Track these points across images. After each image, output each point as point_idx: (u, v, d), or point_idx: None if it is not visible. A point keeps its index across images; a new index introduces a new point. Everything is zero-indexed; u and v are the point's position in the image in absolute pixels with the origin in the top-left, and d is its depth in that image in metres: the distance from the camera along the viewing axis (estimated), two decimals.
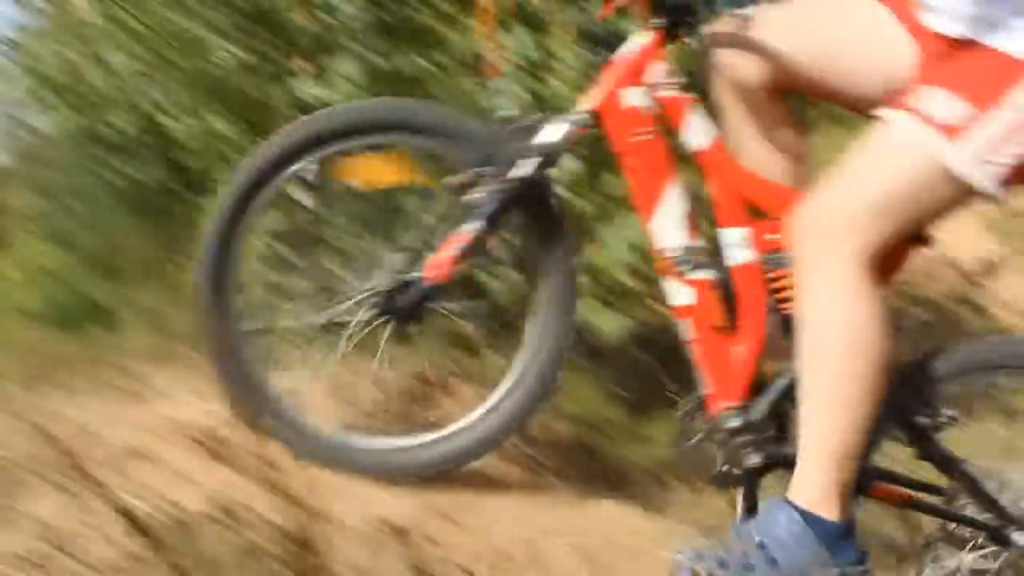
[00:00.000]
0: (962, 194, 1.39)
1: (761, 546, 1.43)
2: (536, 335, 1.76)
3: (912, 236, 1.51)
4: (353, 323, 1.72)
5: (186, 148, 2.52)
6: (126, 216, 2.77)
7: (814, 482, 1.44)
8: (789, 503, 1.45)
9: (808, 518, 1.43)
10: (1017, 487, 1.63)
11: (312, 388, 1.88)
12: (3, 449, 1.76)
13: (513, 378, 1.77)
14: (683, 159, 1.62)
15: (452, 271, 1.67)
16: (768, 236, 1.57)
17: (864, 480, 1.54)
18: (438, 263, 1.66)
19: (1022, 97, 1.33)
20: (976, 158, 1.35)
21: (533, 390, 1.76)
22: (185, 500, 1.62)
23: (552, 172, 1.70)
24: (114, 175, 2.69)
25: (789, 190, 1.58)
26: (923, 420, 1.58)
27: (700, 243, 1.61)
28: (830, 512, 1.44)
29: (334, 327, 1.76)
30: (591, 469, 2.17)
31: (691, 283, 1.59)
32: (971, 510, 1.62)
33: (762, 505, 1.53)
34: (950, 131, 1.35)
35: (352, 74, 2.10)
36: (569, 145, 1.67)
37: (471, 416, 1.78)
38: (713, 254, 1.60)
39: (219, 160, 2.25)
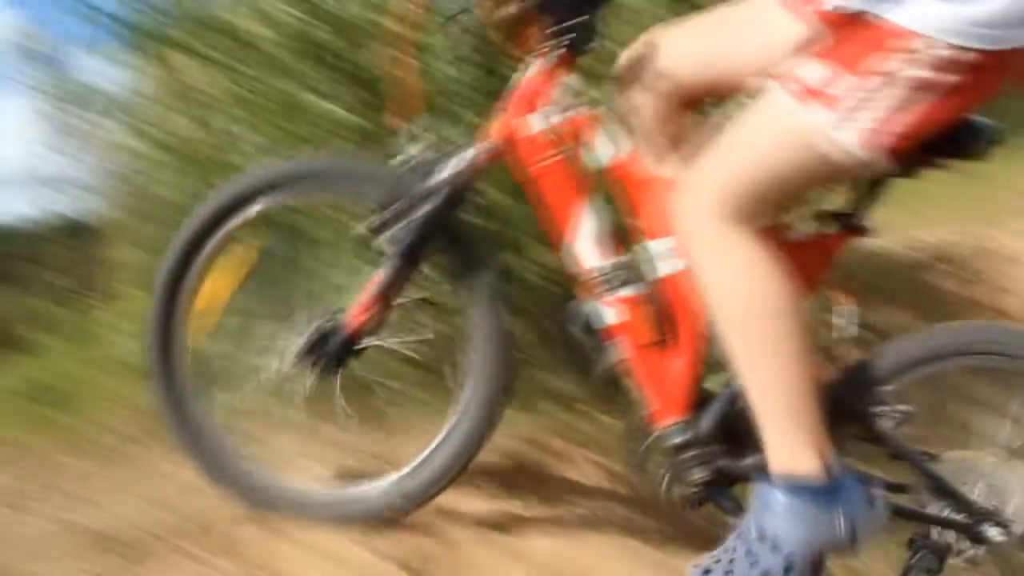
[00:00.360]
0: (833, 158, 1.37)
1: (761, 536, 1.43)
2: (476, 365, 1.74)
3: (845, 225, 1.53)
4: (289, 377, 1.79)
5: None
6: None
7: (781, 449, 1.43)
8: (769, 482, 1.44)
9: (791, 487, 1.42)
10: (987, 478, 1.59)
11: (267, 440, 1.92)
12: (127, 518, 1.84)
13: (459, 411, 1.76)
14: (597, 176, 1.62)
15: (372, 315, 1.71)
16: None
17: None
18: (357, 309, 1.71)
19: (892, 64, 1.32)
20: (841, 121, 1.34)
21: (479, 421, 1.75)
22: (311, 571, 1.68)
23: (463, 205, 1.71)
24: None
25: None
26: (877, 417, 1.55)
27: (623, 259, 1.60)
28: (809, 469, 1.42)
29: (281, 381, 1.82)
30: (546, 493, 2.14)
31: (619, 302, 1.59)
32: (941, 508, 1.59)
33: (751, 498, 1.51)
34: (816, 95, 1.35)
35: (452, 135, 2.09)
36: (473, 178, 1.67)
37: (422, 455, 1.79)
38: (637, 269, 1.59)
39: (322, 219, 2.26)
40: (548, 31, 1.56)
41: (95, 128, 3.51)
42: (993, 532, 1.56)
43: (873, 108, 1.34)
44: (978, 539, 1.58)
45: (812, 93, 1.35)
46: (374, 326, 1.74)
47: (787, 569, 1.41)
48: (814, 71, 1.37)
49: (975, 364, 1.58)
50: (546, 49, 1.58)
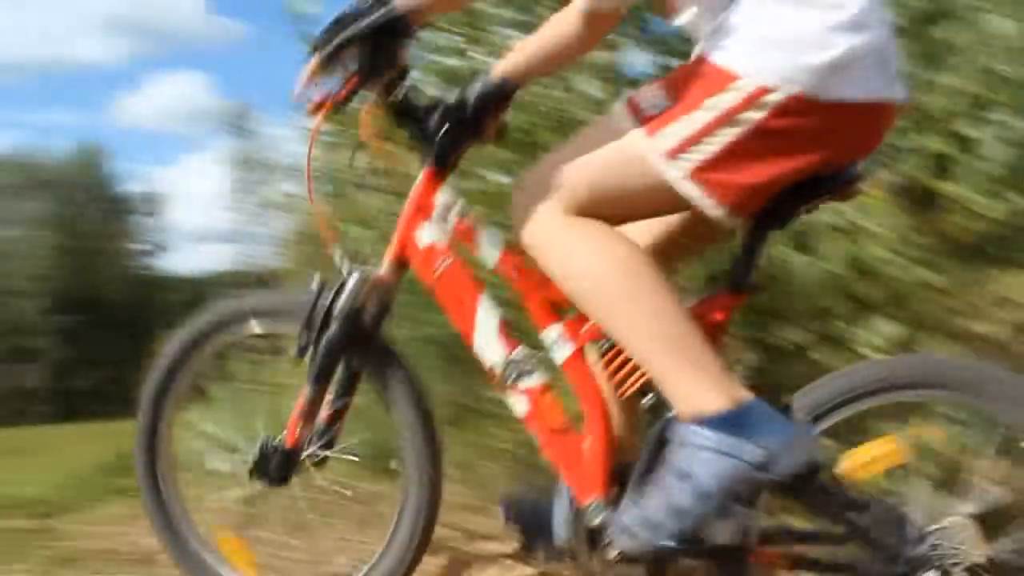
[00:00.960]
0: (659, 185, 1.44)
1: (674, 472, 1.43)
2: (410, 455, 1.81)
3: (733, 285, 1.54)
4: (246, 491, 1.91)
5: None
6: (434, 361, 2.79)
7: (681, 394, 1.44)
8: (680, 424, 1.45)
9: (700, 423, 1.42)
10: (916, 518, 1.48)
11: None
12: None
13: (405, 498, 1.83)
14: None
15: (304, 429, 1.80)
16: (583, 328, 1.59)
17: (744, 546, 1.50)
18: (291, 426, 1.80)
19: (719, 102, 1.38)
20: (667, 151, 1.42)
21: (424, 503, 1.82)
22: None
23: (372, 319, 1.77)
24: (425, 323, 2.69)
25: None
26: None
27: (518, 352, 1.65)
28: (713, 405, 1.41)
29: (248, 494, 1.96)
30: None
31: (523, 392, 1.64)
32: (873, 557, 1.49)
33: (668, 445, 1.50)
34: (650, 123, 1.43)
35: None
36: (375, 294, 1.76)
37: (373, 559, 1.86)
38: (533, 359, 1.64)
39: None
40: (413, 148, 1.70)
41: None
42: None
43: (704, 143, 1.40)
44: None
45: (649, 121, 1.43)
46: (309, 438, 1.84)
47: (700, 500, 1.42)
48: (653, 99, 1.45)
49: (899, 400, 1.53)
50: (424, 163, 1.70)
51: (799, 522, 1.59)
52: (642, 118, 1.45)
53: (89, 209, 27.87)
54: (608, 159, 1.48)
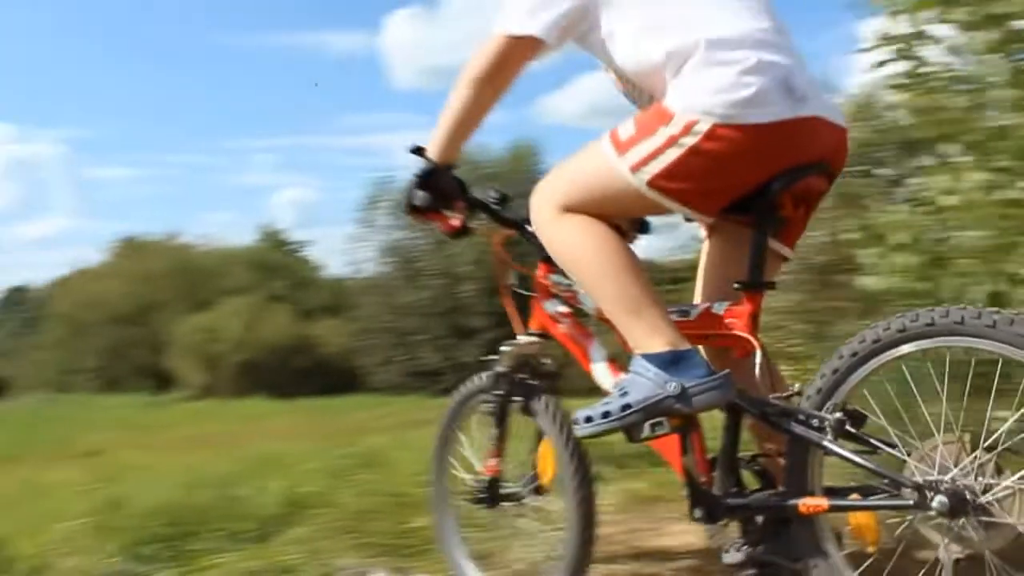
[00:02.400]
0: (629, 188, 1.96)
1: (620, 390, 1.94)
2: (567, 480, 2.31)
3: (751, 285, 1.97)
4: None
5: None
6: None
7: (634, 337, 1.96)
8: (633, 357, 1.95)
9: (644, 356, 1.92)
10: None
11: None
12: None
13: (568, 518, 2.32)
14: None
15: (493, 467, 2.50)
16: None
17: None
18: (488, 461, 2.52)
19: (666, 131, 1.91)
20: (632, 165, 1.95)
21: (582, 522, 2.29)
22: None
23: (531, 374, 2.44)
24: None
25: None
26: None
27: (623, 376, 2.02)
28: (654, 347, 1.91)
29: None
30: None
31: None
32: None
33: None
34: (621, 145, 1.97)
35: None
36: (528, 356, 2.42)
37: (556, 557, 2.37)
38: None
39: None
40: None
41: None
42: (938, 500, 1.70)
43: (658, 160, 1.92)
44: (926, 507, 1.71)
45: (621, 143, 1.97)
46: (500, 473, 2.53)
47: (623, 409, 1.90)
48: (626, 128, 1.99)
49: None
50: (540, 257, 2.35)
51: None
52: (616, 142, 1.98)
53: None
54: (593, 170, 2.03)
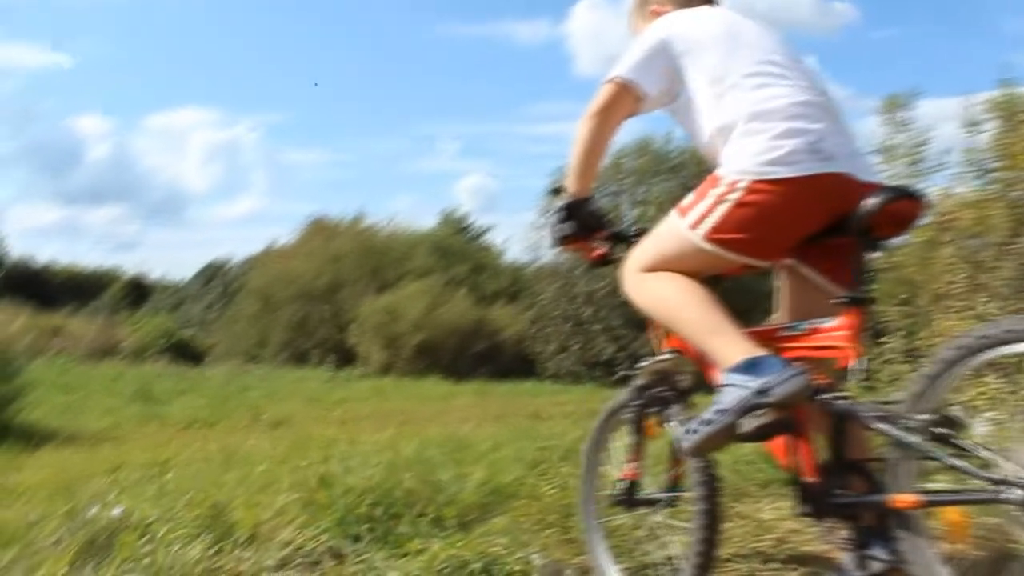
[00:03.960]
0: (693, 246, 2.36)
1: (715, 403, 2.22)
2: (696, 481, 2.51)
3: (852, 300, 2.21)
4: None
5: None
6: None
7: (717, 354, 2.27)
8: (720, 375, 2.26)
9: (728, 370, 2.22)
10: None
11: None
12: None
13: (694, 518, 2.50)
14: None
15: (631, 472, 2.80)
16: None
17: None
18: (625, 466, 2.82)
19: (714, 192, 2.32)
20: (691, 224, 2.36)
21: (707, 524, 2.46)
22: None
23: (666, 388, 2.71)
24: None
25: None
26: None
27: None
28: (738, 356, 2.21)
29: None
30: None
31: None
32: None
33: None
34: (683, 210, 2.40)
35: None
36: (663, 372, 2.71)
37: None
38: None
39: None
40: None
41: None
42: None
43: (711, 217, 2.32)
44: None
45: (682, 210, 2.41)
46: (638, 477, 2.79)
47: (718, 413, 2.20)
48: (688, 198, 2.41)
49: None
50: None
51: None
52: (680, 209, 2.40)
53: None
54: (665, 236, 2.45)
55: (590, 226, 2.63)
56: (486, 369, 28.02)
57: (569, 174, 2.56)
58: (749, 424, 2.13)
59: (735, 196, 2.29)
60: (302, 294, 33.98)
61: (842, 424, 2.18)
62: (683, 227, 2.38)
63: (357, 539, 3.17)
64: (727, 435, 2.18)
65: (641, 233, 2.66)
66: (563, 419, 14.92)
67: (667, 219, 2.45)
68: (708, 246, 2.33)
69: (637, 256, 2.50)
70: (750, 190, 2.27)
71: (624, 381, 2.82)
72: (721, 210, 2.30)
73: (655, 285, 2.41)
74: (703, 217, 2.34)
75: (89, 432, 12.88)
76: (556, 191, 2.62)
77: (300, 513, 3.44)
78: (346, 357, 31.34)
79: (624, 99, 2.52)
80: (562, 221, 2.60)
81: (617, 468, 2.85)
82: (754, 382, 2.14)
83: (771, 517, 3.32)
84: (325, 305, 33.53)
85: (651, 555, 2.80)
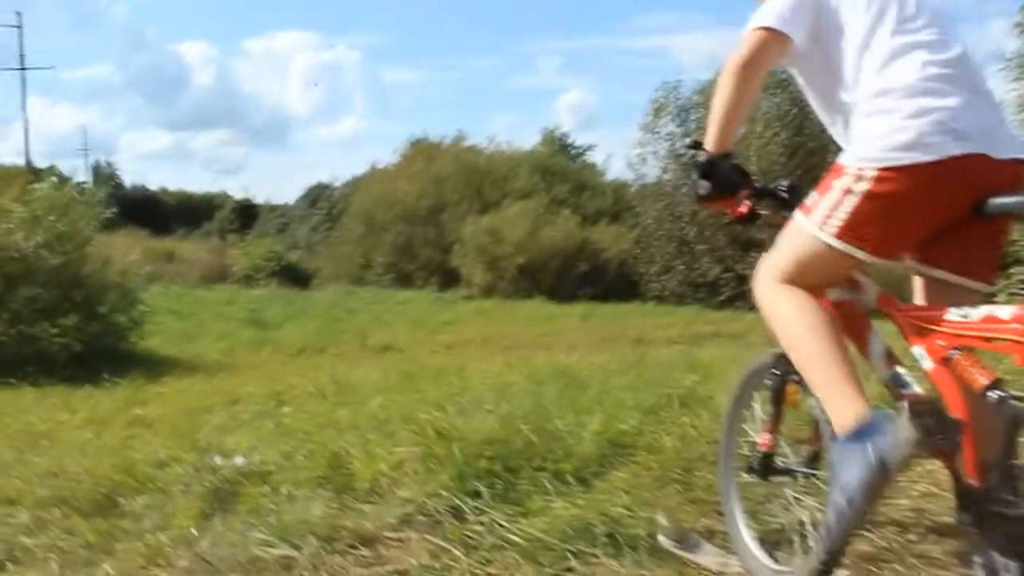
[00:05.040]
0: (822, 246, 2.17)
1: (837, 485, 2.01)
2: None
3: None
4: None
5: None
6: None
7: (829, 409, 2.11)
8: (836, 440, 2.08)
9: (841, 439, 2.04)
10: None
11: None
12: None
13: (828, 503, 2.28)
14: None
15: (768, 442, 2.65)
16: (940, 342, 2.06)
17: None
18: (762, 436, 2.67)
19: (839, 183, 2.13)
20: (818, 222, 2.17)
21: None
22: None
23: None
24: None
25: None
26: None
27: (899, 369, 2.20)
28: (848, 421, 2.02)
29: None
30: None
31: (904, 397, 2.12)
32: None
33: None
34: (808, 209, 2.22)
35: None
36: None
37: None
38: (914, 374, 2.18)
39: None
40: None
41: None
42: None
43: (839, 211, 2.13)
44: None
45: (807, 208, 2.22)
46: (774, 448, 2.66)
47: (847, 503, 1.96)
48: (812, 196, 2.23)
49: None
50: None
51: None
52: (805, 208, 2.23)
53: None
54: (793, 239, 2.26)
55: (732, 183, 2.39)
56: (589, 290, 27.99)
57: (709, 130, 2.33)
58: (889, 474, 1.94)
59: (862, 187, 2.09)
60: (405, 216, 34.29)
61: (1015, 427, 1.93)
62: (810, 226, 2.19)
63: (477, 495, 3.14)
64: (859, 520, 2.02)
65: (793, 189, 2.50)
66: (669, 345, 14.86)
67: (794, 221, 2.27)
68: (839, 244, 2.15)
69: (768, 262, 2.32)
70: (878, 179, 2.07)
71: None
72: (849, 203, 2.11)
73: (782, 307, 2.25)
74: (830, 212, 2.15)
75: (206, 359, 13.28)
76: (695, 145, 2.39)
77: (418, 466, 3.43)
78: (449, 279, 31.65)
79: (771, 51, 2.27)
80: (702, 179, 2.37)
81: (756, 431, 2.72)
82: (868, 454, 1.93)
83: (902, 477, 3.16)
84: (428, 227, 33.80)
85: (783, 520, 2.70)
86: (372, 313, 23.30)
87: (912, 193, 2.07)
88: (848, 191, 2.12)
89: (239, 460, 3.85)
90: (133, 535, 3.35)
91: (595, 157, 41.73)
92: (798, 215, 2.24)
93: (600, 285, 28.64)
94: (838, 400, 2.08)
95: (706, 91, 28.89)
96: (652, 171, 30.37)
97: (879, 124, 2.11)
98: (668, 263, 27.92)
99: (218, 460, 3.90)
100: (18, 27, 42.66)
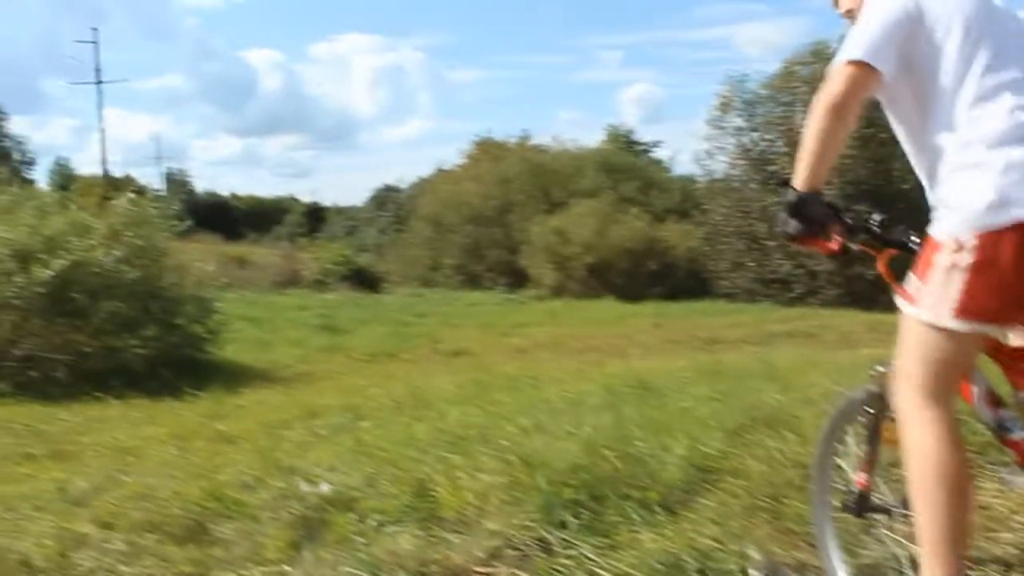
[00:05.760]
0: (942, 332, 2.04)
1: None
2: None
3: None
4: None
5: None
6: None
7: (924, 564, 2.06)
8: None
9: None
10: None
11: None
12: None
13: None
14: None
15: (863, 481, 2.55)
16: None
17: None
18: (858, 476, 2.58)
19: (940, 261, 2.00)
20: (931, 309, 2.03)
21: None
22: None
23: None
24: None
25: None
26: None
27: (1003, 413, 2.17)
28: None
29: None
30: None
31: (1010, 443, 2.18)
32: None
33: None
34: (913, 298, 2.09)
35: None
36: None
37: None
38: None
39: None
40: None
41: None
42: None
43: (950, 289, 1.98)
44: None
45: (913, 298, 2.09)
46: (871, 486, 2.55)
47: None
48: (912, 282, 2.10)
49: None
50: None
51: None
52: (909, 298, 2.11)
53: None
54: (913, 337, 2.12)
55: (822, 221, 2.29)
56: (658, 288, 27.82)
57: (799, 168, 2.23)
58: None
59: (965, 260, 1.97)
60: (473, 217, 34.45)
61: None
62: (924, 316, 2.07)
63: (563, 525, 3.13)
64: None
65: (886, 223, 2.39)
66: (741, 345, 14.70)
67: (904, 317, 2.14)
68: (962, 326, 2.02)
69: (902, 370, 2.17)
70: (980, 247, 1.95)
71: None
72: (957, 280, 1.99)
73: (919, 438, 2.10)
74: (940, 295, 2.02)
75: (281, 367, 13.45)
76: (783, 183, 2.30)
77: (503, 494, 3.44)
78: (518, 279, 31.70)
79: (863, 87, 2.14)
80: (791, 217, 2.28)
81: (851, 465, 2.63)
82: None
83: (1002, 506, 3.08)
84: (495, 227, 33.89)
85: (878, 556, 2.64)
86: (442, 316, 23.42)
87: (1020, 251, 1.94)
88: (952, 267, 1.99)
89: (324, 487, 3.90)
90: (226, 564, 3.41)
91: (662, 152, 41.44)
92: (908, 309, 2.13)
93: (669, 283, 28.48)
94: (934, 558, 2.05)
95: (772, 84, 28.54)
96: (720, 166, 30.12)
97: (969, 183, 2.00)
98: (738, 260, 27.65)
99: (304, 487, 3.94)
100: (94, 43, 43.56)
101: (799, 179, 2.24)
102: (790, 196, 2.25)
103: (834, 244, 2.34)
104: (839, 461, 2.70)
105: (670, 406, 5.28)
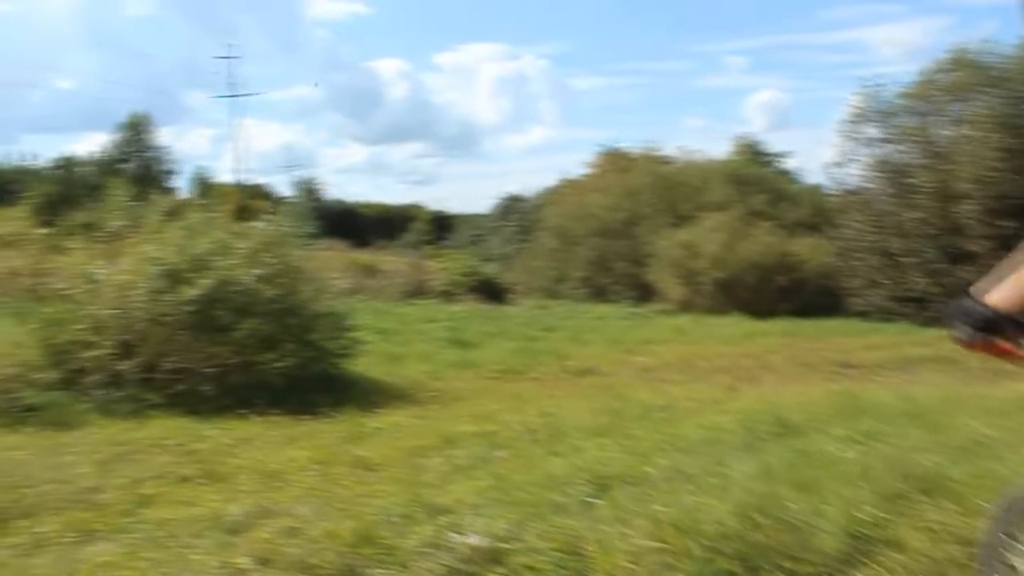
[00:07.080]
0: None
1: None
2: None
3: None
4: None
5: None
6: None
7: None
8: None
9: None
10: None
11: None
12: None
13: None
14: None
15: None
16: None
17: None
18: None
19: None
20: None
21: None
22: None
23: None
24: None
25: None
26: None
27: None
28: None
29: None
30: None
31: None
32: None
33: None
34: None
35: None
36: None
37: None
38: None
39: None
40: None
41: None
42: None
43: None
44: None
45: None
46: None
47: None
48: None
49: None
50: None
51: None
52: None
53: None
54: None
55: (996, 329, 2.16)
56: (788, 305, 27.21)
57: (1006, 287, 2.13)
58: None
59: None
60: (599, 230, 34.40)
61: None
62: None
63: None
64: None
65: None
66: (877, 371, 14.30)
67: None
68: None
69: None
70: None
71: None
72: None
73: None
74: None
75: (414, 385, 13.64)
76: (965, 293, 2.19)
77: (655, 559, 3.44)
78: (644, 292, 31.50)
79: None
80: (966, 326, 2.17)
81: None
82: None
83: None
84: (622, 240, 33.76)
85: None
86: (568, 331, 23.40)
87: None
88: None
89: (473, 539, 3.96)
90: None
91: (792, 163, 40.60)
92: None
93: (799, 300, 27.83)
94: None
95: (909, 93, 27.64)
96: (851, 178, 29.37)
97: None
98: (872, 277, 26.89)
99: (455, 538, 4.01)
100: (231, 58, 45.22)
101: (1002, 297, 2.12)
102: (978, 310, 2.13)
103: (1007, 346, 2.18)
104: (1013, 561, 2.58)
105: (812, 451, 5.19)
